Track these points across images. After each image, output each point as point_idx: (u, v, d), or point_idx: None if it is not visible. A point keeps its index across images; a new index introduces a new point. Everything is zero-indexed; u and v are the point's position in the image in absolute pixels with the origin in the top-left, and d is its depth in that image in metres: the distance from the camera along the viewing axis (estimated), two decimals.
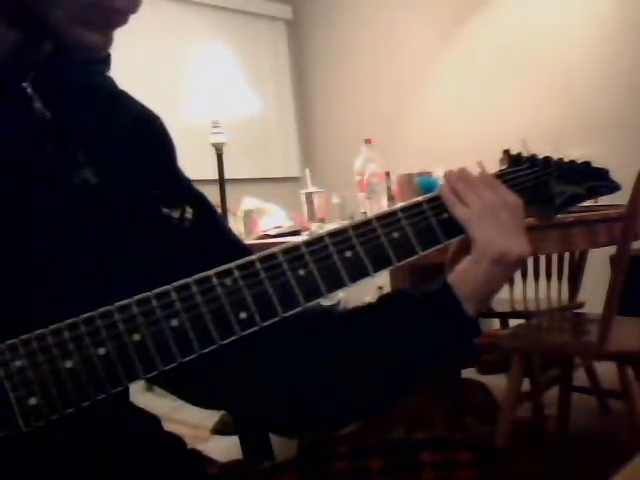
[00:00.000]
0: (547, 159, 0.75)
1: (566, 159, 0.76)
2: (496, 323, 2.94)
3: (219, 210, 0.82)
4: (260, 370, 0.70)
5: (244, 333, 0.58)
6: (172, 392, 0.73)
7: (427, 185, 2.00)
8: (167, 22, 3.64)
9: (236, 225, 2.29)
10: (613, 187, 0.78)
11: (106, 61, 0.71)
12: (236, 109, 2.87)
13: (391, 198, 2.20)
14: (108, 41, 0.63)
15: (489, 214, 0.68)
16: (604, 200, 1.83)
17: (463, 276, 0.68)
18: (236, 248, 0.74)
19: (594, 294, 2.08)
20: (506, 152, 0.75)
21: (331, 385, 0.70)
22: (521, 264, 0.69)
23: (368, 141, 2.23)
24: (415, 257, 0.65)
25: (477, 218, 0.67)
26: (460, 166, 0.73)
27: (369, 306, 0.72)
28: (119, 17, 0.63)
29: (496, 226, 0.67)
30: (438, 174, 2.14)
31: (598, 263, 2.46)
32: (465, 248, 0.70)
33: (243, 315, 0.58)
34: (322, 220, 2.19)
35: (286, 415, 0.72)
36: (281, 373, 0.70)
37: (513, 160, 0.74)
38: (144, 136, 0.75)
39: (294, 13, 4.49)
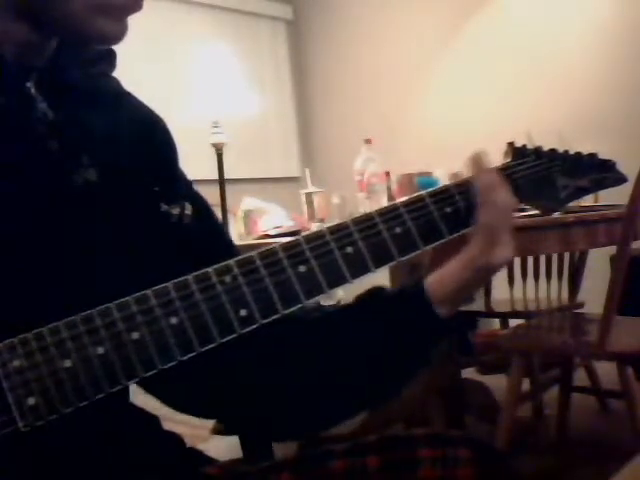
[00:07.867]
0: (552, 151, 0.74)
1: (572, 151, 0.75)
2: (496, 323, 2.94)
3: (219, 210, 0.82)
4: (243, 375, 0.71)
5: (244, 331, 0.58)
6: (164, 401, 0.73)
7: (427, 185, 1.98)
8: (167, 22, 3.63)
9: (236, 225, 2.29)
10: (620, 179, 0.76)
11: (111, 61, 0.71)
12: (236, 109, 2.88)
13: (391, 198, 2.20)
14: (124, 29, 0.64)
15: (494, 222, 0.65)
16: (604, 200, 1.85)
17: (444, 280, 0.67)
18: (232, 251, 0.74)
19: (594, 294, 2.08)
20: (510, 144, 0.73)
21: (314, 387, 0.70)
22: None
23: (368, 141, 2.23)
24: (417, 252, 0.64)
25: (487, 226, 0.65)
26: (459, 166, 0.72)
27: (347, 306, 0.72)
28: (136, 3, 0.63)
29: (492, 234, 0.65)
30: (438, 174, 2.14)
31: (598, 263, 2.46)
32: (446, 252, 0.68)
33: (243, 313, 0.58)
34: (322, 220, 2.19)
35: (271, 420, 0.73)
36: (264, 378, 0.71)
37: (518, 153, 0.72)
38: (146, 136, 0.75)
39: (294, 13, 4.49)
